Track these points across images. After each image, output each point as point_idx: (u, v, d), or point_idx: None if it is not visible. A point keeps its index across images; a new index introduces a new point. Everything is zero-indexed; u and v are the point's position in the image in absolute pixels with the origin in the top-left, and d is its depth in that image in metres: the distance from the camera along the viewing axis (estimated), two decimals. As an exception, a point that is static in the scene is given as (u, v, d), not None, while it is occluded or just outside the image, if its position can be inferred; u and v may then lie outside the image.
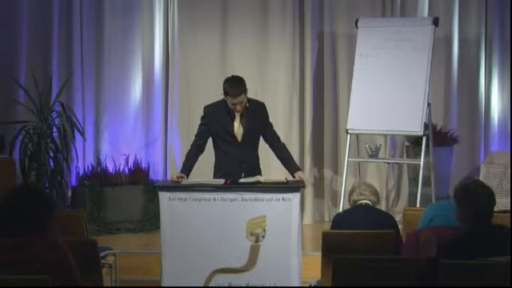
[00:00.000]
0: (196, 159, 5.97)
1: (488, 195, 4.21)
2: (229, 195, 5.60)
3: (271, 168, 6.56)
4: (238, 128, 5.91)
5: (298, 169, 6.01)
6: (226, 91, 5.82)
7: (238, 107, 5.81)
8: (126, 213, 7.90)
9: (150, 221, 7.86)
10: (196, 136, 6.04)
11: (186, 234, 5.61)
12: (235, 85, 5.81)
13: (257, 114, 5.95)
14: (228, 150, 5.95)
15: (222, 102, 5.92)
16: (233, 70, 8.42)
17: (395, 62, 7.69)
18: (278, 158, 6.07)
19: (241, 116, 5.89)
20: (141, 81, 8.54)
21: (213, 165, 6.12)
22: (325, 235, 5.14)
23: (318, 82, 8.58)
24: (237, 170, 5.87)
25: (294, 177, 5.91)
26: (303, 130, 8.51)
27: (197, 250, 5.59)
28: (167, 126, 8.57)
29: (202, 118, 6.02)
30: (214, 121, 5.94)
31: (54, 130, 7.89)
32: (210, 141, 6.06)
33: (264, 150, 6.16)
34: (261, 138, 6.06)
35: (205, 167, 6.16)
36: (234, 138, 5.92)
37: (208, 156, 6.08)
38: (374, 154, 7.85)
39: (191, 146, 6.04)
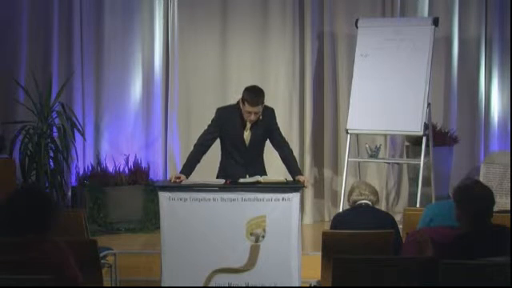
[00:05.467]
0: (198, 161, 5.97)
1: (488, 195, 4.21)
2: (229, 195, 5.60)
3: (272, 168, 6.55)
4: (247, 135, 5.94)
5: (300, 174, 6.00)
6: (245, 98, 5.83)
7: (252, 116, 5.84)
8: (126, 213, 7.90)
9: (150, 221, 7.86)
10: (202, 136, 6.02)
11: (186, 234, 5.62)
12: (256, 94, 5.85)
13: (266, 122, 5.97)
14: (235, 154, 5.98)
15: (235, 107, 5.94)
16: (233, 70, 8.47)
17: (395, 61, 7.69)
18: (282, 161, 6.08)
19: (251, 124, 5.92)
20: (141, 81, 8.54)
21: (215, 165, 6.13)
22: (325, 235, 5.14)
23: (318, 82, 8.58)
24: (241, 174, 5.89)
25: (295, 180, 5.91)
26: (303, 130, 8.51)
27: (197, 250, 5.60)
28: (167, 125, 8.56)
29: (215, 119, 6.01)
30: (227, 123, 5.96)
31: (54, 129, 7.89)
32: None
33: (265, 150, 6.17)
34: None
35: (206, 167, 6.16)
36: (242, 143, 5.95)
37: (210, 156, 6.08)
38: (374, 154, 7.85)
39: (195, 146, 6.02)
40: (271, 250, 5.59)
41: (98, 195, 7.84)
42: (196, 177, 5.96)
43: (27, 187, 5.58)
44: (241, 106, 5.87)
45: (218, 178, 6.00)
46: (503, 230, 4.18)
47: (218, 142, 6.10)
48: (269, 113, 6.01)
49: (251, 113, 5.82)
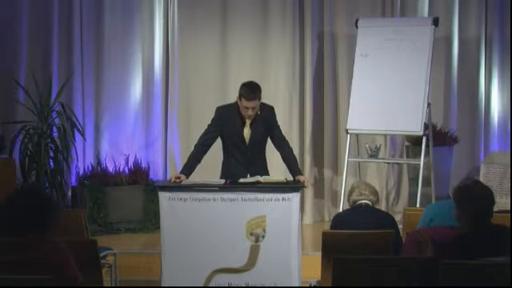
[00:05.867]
0: (199, 161, 5.97)
1: (488, 195, 4.21)
2: (229, 195, 5.60)
3: (272, 168, 6.56)
4: (247, 133, 5.94)
5: (300, 174, 6.01)
6: (242, 94, 5.83)
7: (250, 112, 5.83)
8: (126, 213, 7.90)
9: (150, 221, 7.86)
10: (202, 136, 6.02)
11: (186, 234, 5.62)
12: (252, 89, 5.85)
13: (266, 119, 5.97)
14: (235, 153, 5.98)
15: (234, 105, 5.94)
16: (233, 70, 8.46)
17: (395, 61, 7.70)
18: (283, 160, 6.08)
19: (251, 121, 5.91)
20: (141, 81, 8.54)
21: (215, 165, 6.13)
22: (325, 235, 5.14)
23: (318, 82, 8.58)
24: (243, 173, 5.89)
25: (295, 180, 5.91)
26: (303, 130, 8.51)
27: (197, 250, 5.60)
28: (167, 126, 8.56)
29: (214, 118, 6.01)
30: (226, 122, 5.96)
31: (54, 129, 7.89)
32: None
33: (266, 150, 6.17)
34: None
35: (207, 167, 6.16)
36: (242, 141, 5.94)
37: (210, 156, 6.08)
38: (374, 154, 7.85)
39: (195, 146, 6.02)
40: (271, 249, 5.59)
41: (98, 195, 7.84)
42: (196, 177, 5.96)
43: (27, 187, 5.57)
44: (238, 102, 5.87)
45: (221, 178, 6.00)
46: (503, 230, 4.18)
47: (219, 143, 6.10)
48: (268, 110, 6.01)
49: (248, 108, 5.82)
